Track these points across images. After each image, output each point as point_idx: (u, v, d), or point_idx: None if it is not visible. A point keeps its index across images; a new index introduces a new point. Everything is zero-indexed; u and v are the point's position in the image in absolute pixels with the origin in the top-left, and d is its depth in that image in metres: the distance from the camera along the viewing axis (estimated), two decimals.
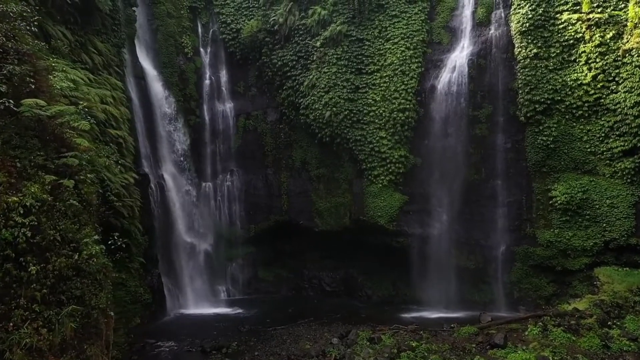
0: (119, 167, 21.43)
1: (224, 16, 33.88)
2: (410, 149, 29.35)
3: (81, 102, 14.95)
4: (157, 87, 30.11)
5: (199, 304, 29.29)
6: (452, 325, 21.94)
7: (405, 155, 29.13)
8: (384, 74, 29.68)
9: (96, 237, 11.08)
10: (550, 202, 26.35)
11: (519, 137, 27.48)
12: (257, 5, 33.43)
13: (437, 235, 28.91)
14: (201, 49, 34.12)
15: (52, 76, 12.93)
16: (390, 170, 29.06)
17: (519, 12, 27.09)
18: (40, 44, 12.19)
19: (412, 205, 29.18)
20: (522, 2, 27.08)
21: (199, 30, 34.21)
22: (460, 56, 28.80)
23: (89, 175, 11.82)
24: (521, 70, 26.88)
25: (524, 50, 26.85)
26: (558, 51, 26.27)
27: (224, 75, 34.46)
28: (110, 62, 23.98)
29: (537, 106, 26.47)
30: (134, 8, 29.22)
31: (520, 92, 26.91)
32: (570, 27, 26.01)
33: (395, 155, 29.00)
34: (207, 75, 34.09)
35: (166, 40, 31.72)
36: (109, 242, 12.99)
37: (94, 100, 19.50)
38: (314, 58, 31.15)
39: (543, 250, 26.54)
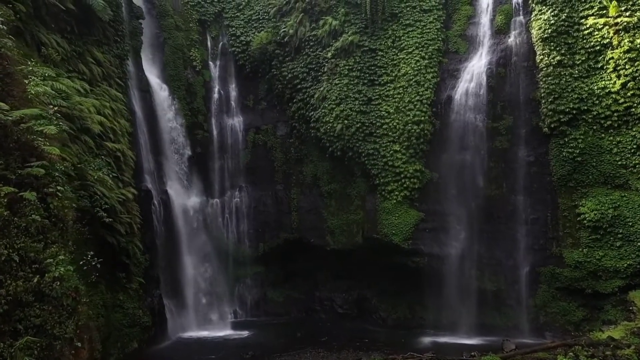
0: (115, 181, 20.44)
1: (233, 29, 33.17)
2: (426, 163, 27.85)
3: (64, 110, 13.87)
4: (163, 101, 29.24)
5: (204, 327, 27.94)
6: (473, 353, 19.98)
7: (420, 170, 27.65)
8: (398, 85, 28.43)
9: (62, 257, 9.77)
10: (578, 219, 24.47)
11: (543, 149, 25.82)
12: (267, 17, 32.70)
13: (456, 254, 27.21)
14: (210, 62, 33.32)
15: (28, 81, 11.87)
16: (405, 185, 27.58)
17: (540, 18, 25.67)
18: (3, 41, 11.11)
19: (429, 222, 27.58)
20: (544, 7, 25.67)
21: (208, 43, 33.48)
22: (478, 65, 27.43)
23: (60, 188, 10.57)
24: (544, 79, 25.35)
25: (546, 58, 25.34)
26: (583, 58, 24.67)
27: (233, 89, 33.56)
28: (111, 74, 23.12)
29: (561, 116, 24.80)
30: (140, 20, 28.57)
31: (543, 101, 25.33)
32: (597, 32, 24.42)
33: (410, 170, 27.54)
34: (216, 89, 33.21)
35: (174, 53, 30.96)
36: (81, 262, 11.62)
37: (88, 111, 18.52)
38: (325, 69, 30.11)
39: (571, 271, 24.57)
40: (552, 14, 25.25)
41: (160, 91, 29.31)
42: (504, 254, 26.46)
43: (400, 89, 28.31)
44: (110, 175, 18.22)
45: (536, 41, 25.80)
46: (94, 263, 11.48)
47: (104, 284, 20.10)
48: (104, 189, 18.29)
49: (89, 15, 21.47)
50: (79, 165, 15.67)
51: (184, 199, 29.35)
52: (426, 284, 27.62)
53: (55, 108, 12.26)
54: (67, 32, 20.17)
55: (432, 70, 28.08)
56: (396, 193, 27.74)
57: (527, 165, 26.10)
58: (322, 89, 29.86)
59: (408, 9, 29.17)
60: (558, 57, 24.94)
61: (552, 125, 25.06)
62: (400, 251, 27.84)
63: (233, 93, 33.52)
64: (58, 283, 9.46)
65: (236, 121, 33.16)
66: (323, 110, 29.44)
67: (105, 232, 19.81)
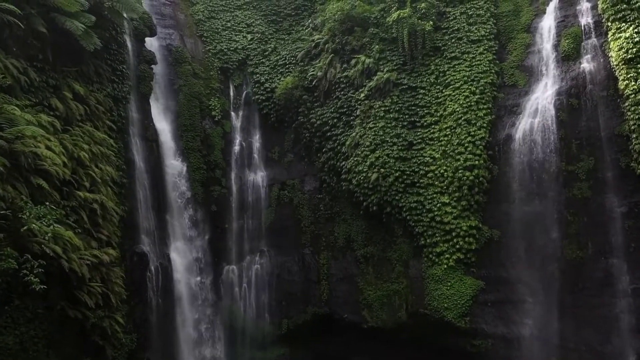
0: (87, 239, 16.36)
1: (257, 75, 30.06)
2: (483, 218, 23.16)
3: None
4: (172, 153, 25.87)
5: None
6: None
7: (476, 226, 22.90)
8: (444, 126, 24.31)
9: None
10: None
11: (638, 197, 20.05)
12: (294, 61, 29.74)
13: (530, 336, 21.74)
14: (232, 112, 30.01)
15: None
16: (458, 246, 22.82)
17: (620, 37, 21.14)
18: None
19: (491, 293, 22.51)
20: (623, 24, 21.19)
21: (231, 92, 30.38)
22: (543, 97, 23.05)
23: None
24: (632, 109, 20.32)
25: (633, 83, 20.39)
26: None
27: (256, 140, 29.92)
28: (99, 115, 19.80)
29: None
30: (152, 66, 25.89)
31: (634, 136, 20.10)
32: None
33: (464, 227, 22.84)
34: (237, 141, 29.62)
35: (189, 101, 27.91)
36: None
37: (47, 148, 14.78)
38: (358, 113, 26.46)
39: None
40: (636, 30, 20.77)
41: (170, 141, 25.95)
42: (597, 337, 20.38)
43: (447, 130, 24.18)
44: (70, 229, 13.93)
45: (617, 64, 21.07)
46: None
47: None
48: (57, 247, 14.07)
49: (72, 45, 18.43)
50: (3, 212, 11.56)
51: (192, 265, 25.02)
52: None
53: None
54: (37, 60, 17.12)
55: (484, 106, 23.83)
56: (447, 256, 23.00)
57: (620, 219, 20.57)
58: (354, 134, 26.07)
59: (453, 40, 25.89)
60: None
61: None
62: (456, 331, 22.74)
63: (256, 144, 29.84)
64: None
65: (259, 176, 29.21)
66: (355, 159, 25.32)
67: (66, 304, 15.48)
